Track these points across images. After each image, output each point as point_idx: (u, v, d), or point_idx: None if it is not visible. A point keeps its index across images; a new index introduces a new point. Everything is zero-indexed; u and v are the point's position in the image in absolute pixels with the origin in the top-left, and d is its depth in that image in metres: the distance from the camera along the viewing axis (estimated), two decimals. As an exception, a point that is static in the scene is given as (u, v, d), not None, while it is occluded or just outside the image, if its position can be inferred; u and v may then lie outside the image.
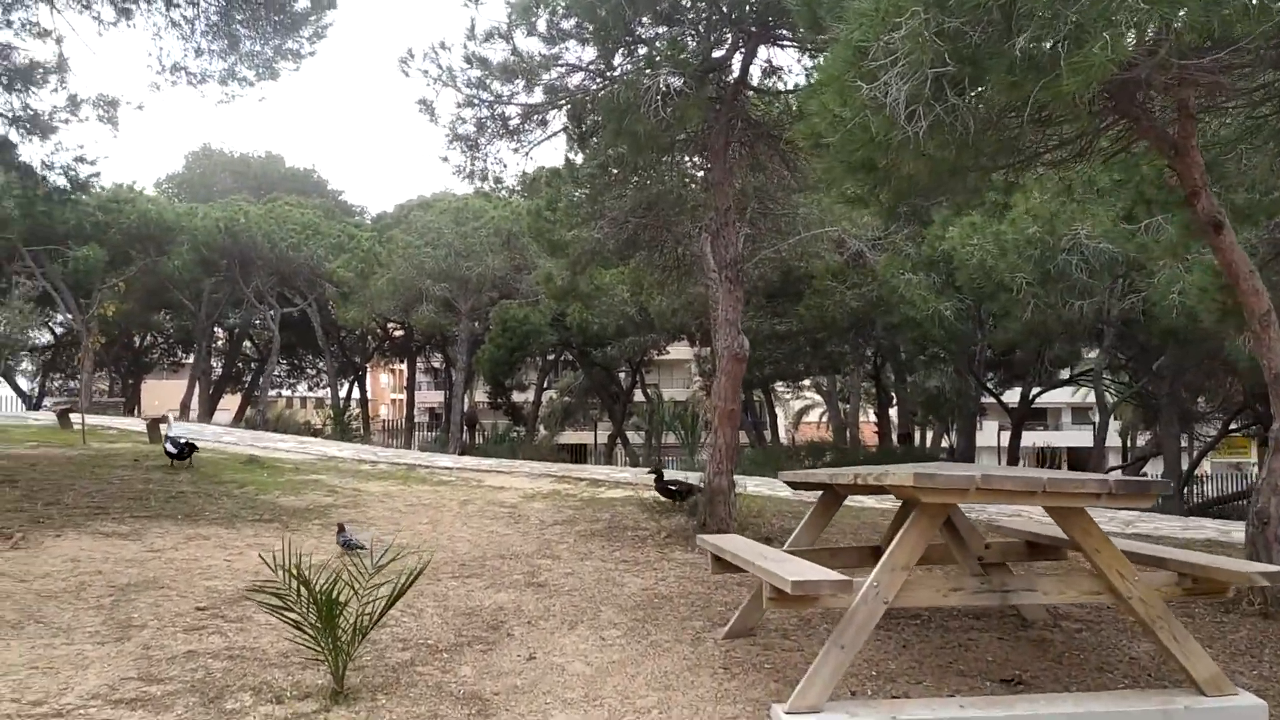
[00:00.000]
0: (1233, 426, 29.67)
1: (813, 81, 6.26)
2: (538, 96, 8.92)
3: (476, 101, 8.65)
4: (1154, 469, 32.07)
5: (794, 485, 6.11)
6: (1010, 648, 5.54)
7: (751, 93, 9.70)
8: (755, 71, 9.48)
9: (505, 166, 9.24)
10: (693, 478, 10.19)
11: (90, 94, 13.87)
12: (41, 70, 13.29)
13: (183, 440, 12.17)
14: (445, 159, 9.22)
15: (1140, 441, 35.23)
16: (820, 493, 5.96)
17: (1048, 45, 4.61)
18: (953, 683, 4.81)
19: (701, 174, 11.23)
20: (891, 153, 5.56)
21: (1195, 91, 5.89)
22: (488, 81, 8.43)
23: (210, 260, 28.98)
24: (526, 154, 9.43)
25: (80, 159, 13.86)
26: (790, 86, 9.82)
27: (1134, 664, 5.26)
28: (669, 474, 10.73)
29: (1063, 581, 4.50)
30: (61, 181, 13.73)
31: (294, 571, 4.64)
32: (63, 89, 13.25)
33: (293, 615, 4.63)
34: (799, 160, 10.24)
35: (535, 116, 9.15)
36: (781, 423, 48.44)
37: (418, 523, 9.55)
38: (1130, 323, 19.79)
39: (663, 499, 10.28)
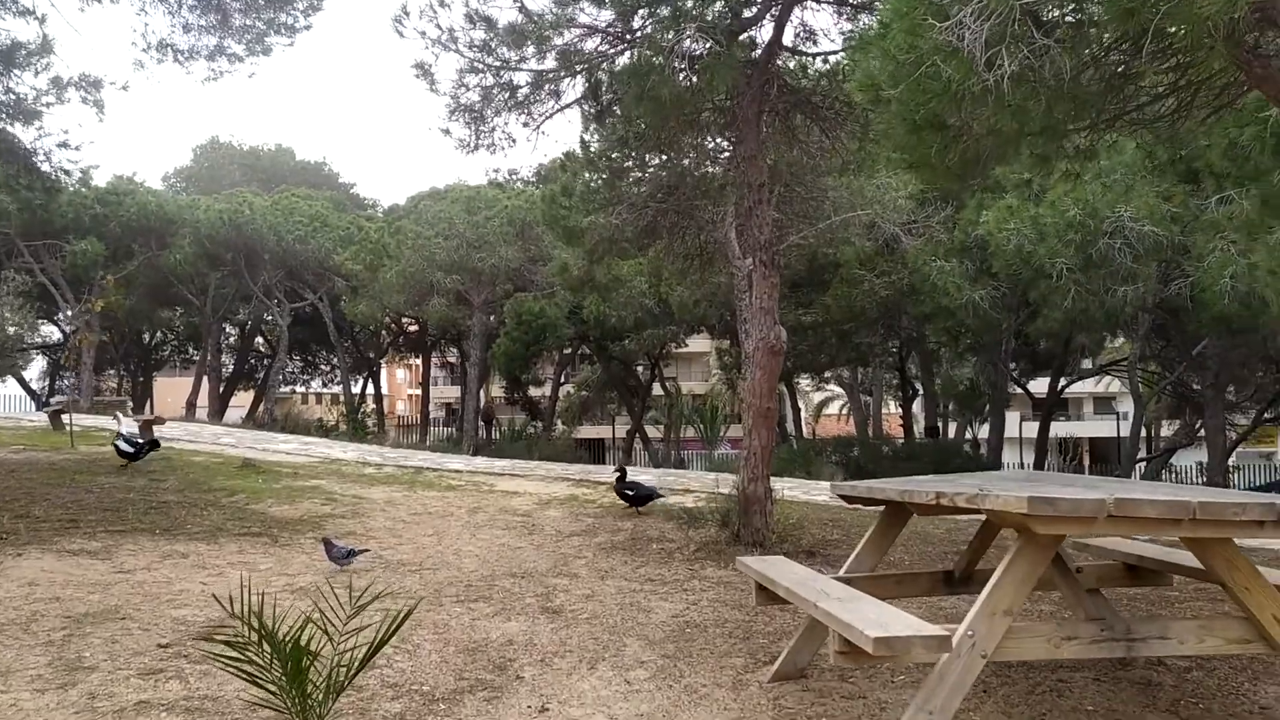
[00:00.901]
0: (1267, 416, 28.73)
1: (877, 24, 5.35)
2: (549, 62, 8.07)
3: (481, 67, 7.79)
4: (1184, 460, 31.07)
5: (850, 500, 5.23)
6: (1111, 692, 4.65)
7: (788, 54, 8.82)
8: (789, 34, 8.59)
9: (514, 142, 8.36)
10: (708, 477, 9.44)
11: (74, 75, 13.14)
12: (24, 51, 12.52)
13: (140, 440, 11.50)
14: (447, 131, 8.35)
15: (1164, 432, 34.21)
16: (882, 508, 5.08)
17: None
18: (1057, 746, 3.94)
19: (728, 152, 10.35)
20: (967, 106, 4.67)
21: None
22: (493, 44, 7.56)
23: (215, 254, 28.23)
24: (537, 128, 8.56)
25: (64, 144, 13.09)
26: (828, 50, 8.94)
27: (1265, 715, 4.38)
28: (633, 475, 10.38)
29: (1203, 627, 3.61)
30: (46, 167, 12.96)
31: (252, 618, 3.80)
32: (46, 72, 12.48)
33: (249, 670, 3.79)
34: (841, 131, 9.35)
35: (547, 85, 8.29)
36: (803, 416, 47.57)
37: (421, 534, 8.72)
38: (1175, 310, 18.83)
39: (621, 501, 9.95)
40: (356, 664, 4.01)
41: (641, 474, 13.54)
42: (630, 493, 9.86)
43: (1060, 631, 3.57)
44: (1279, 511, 3.23)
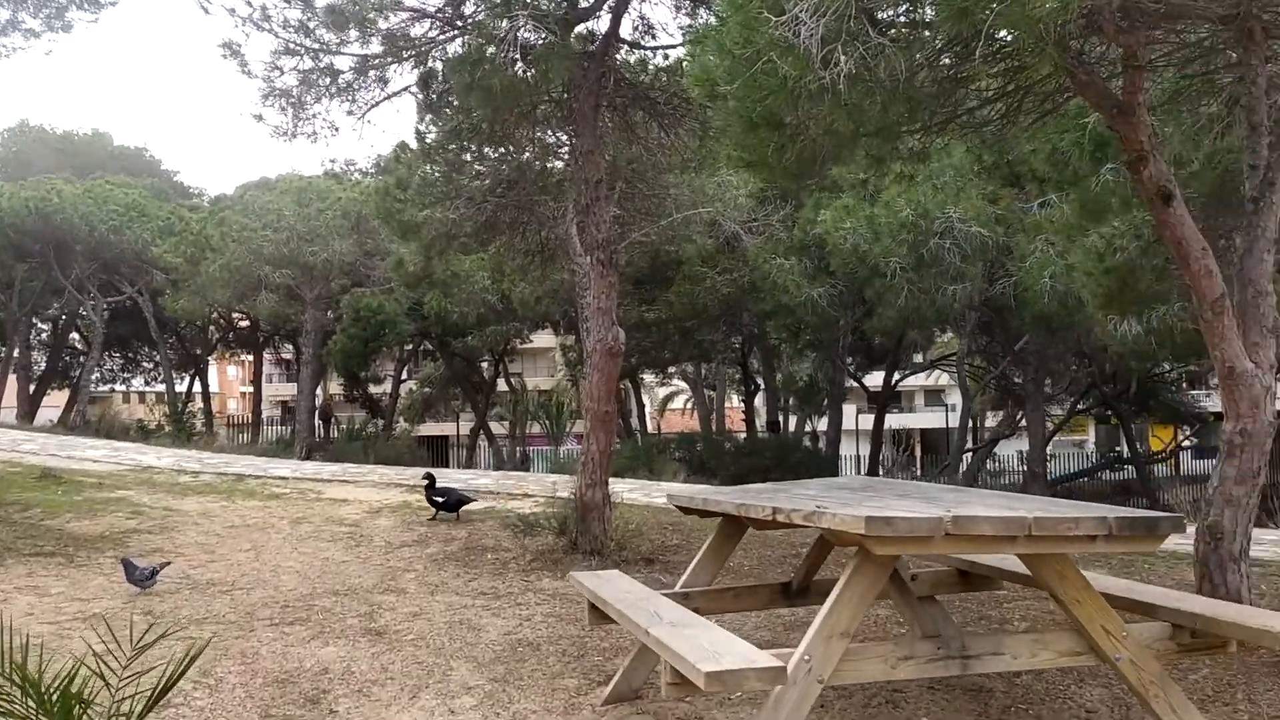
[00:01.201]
0: (1079, 407, 30.49)
1: (714, 18, 5.15)
2: (375, 47, 7.59)
3: (298, 49, 7.26)
4: (1005, 449, 32.64)
5: (687, 511, 5.04)
6: (945, 701, 4.61)
7: (627, 48, 8.61)
8: (627, 26, 8.38)
9: (337, 130, 7.86)
10: (549, 479, 9.20)
11: None
12: None
13: None
14: (260, 117, 7.78)
15: (989, 423, 35.84)
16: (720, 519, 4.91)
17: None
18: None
19: (568, 147, 10.07)
20: (804, 104, 4.53)
21: (1143, 39, 5.07)
22: (311, 25, 7.06)
23: (20, 245, 26.10)
24: (363, 116, 8.07)
25: None
26: (667, 44, 8.77)
27: (1091, 718, 4.40)
28: (442, 483, 10.06)
29: (1036, 641, 3.56)
30: None
31: (12, 667, 3.31)
32: None
33: (5, 729, 3.29)
34: (679, 128, 9.21)
35: (373, 71, 7.81)
36: (648, 411, 47.77)
37: (237, 550, 8.12)
38: (1000, 308, 19.61)
39: (432, 508, 9.69)
40: (139, 710, 3.56)
41: (481, 477, 13.16)
42: (440, 499, 9.56)
43: (897, 651, 3.46)
44: (1110, 526, 3.19)
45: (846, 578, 3.34)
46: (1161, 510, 22.22)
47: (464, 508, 9.58)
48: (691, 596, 4.71)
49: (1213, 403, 33.29)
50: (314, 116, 7.98)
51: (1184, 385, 31.19)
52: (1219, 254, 5.43)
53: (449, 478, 12.03)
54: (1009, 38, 4.76)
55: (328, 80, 7.66)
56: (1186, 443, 34.66)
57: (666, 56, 8.94)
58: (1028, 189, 16.15)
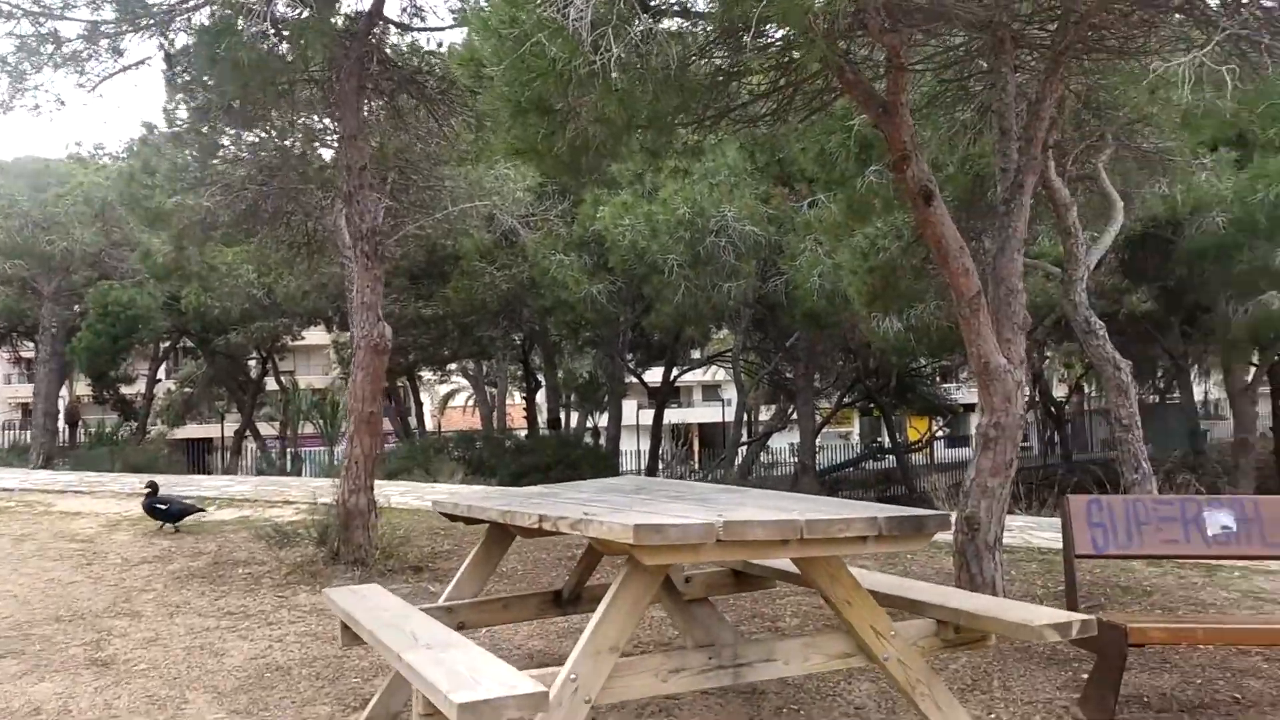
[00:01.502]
0: (846, 400, 32.11)
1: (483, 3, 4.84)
2: (107, 12, 6.83)
3: (13, 11, 6.42)
4: (779, 441, 33.89)
5: (453, 518, 4.73)
6: (719, 705, 4.51)
7: (397, 29, 8.16)
8: (395, 7, 7.93)
9: (63, 104, 7.06)
10: (313, 484, 8.64)
11: None
12: None
13: None
14: (-36, 86, 6.84)
15: (763, 417, 37.14)
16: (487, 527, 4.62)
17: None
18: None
19: (335, 132, 9.49)
20: (574, 89, 4.31)
21: (906, 40, 5.16)
22: (27, -18, 6.25)
23: None
24: (93, 90, 7.26)
25: None
26: (436, 27, 8.38)
27: (859, 714, 4.41)
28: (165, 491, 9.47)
29: (807, 645, 3.48)
30: None
31: None
32: None
33: None
34: (452, 118, 8.85)
35: (104, 40, 7.03)
36: (427, 409, 46.71)
37: (-59, 575, 7.16)
38: (772, 305, 20.19)
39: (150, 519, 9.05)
40: None
41: (239, 483, 12.28)
42: (162, 508, 8.88)
43: (668, 664, 3.29)
44: (880, 526, 3.13)
45: (615, 589, 3.14)
46: (917, 496, 23.49)
47: (190, 518, 8.87)
48: (456, 610, 4.41)
49: (963, 395, 35.85)
50: (36, 88, 7.10)
51: (938, 379, 33.35)
52: (972, 254, 5.61)
53: (199, 485, 11.16)
54: (779, 31, 4.72)
55: (51, 48, 6.83)
56: (940, 433, 37.08)
57: (441, 43, 8.57)
58: (799, 188, 16.68)
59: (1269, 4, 4.94)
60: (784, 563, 4.40)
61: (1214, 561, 6.71)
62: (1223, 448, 27.54)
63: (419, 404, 38.26)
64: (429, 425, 44.35)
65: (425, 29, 8.66)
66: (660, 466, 29.12)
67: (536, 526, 3.56)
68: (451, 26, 8.07)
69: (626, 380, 29.14)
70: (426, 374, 36.44)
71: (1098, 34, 5.63)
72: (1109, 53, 5.88)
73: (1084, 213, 8.34)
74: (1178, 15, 5.42)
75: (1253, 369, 21.40)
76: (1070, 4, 5.06)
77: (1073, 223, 7.87)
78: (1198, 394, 29.24)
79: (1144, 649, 4.68)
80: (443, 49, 8.88)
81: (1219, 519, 4.28)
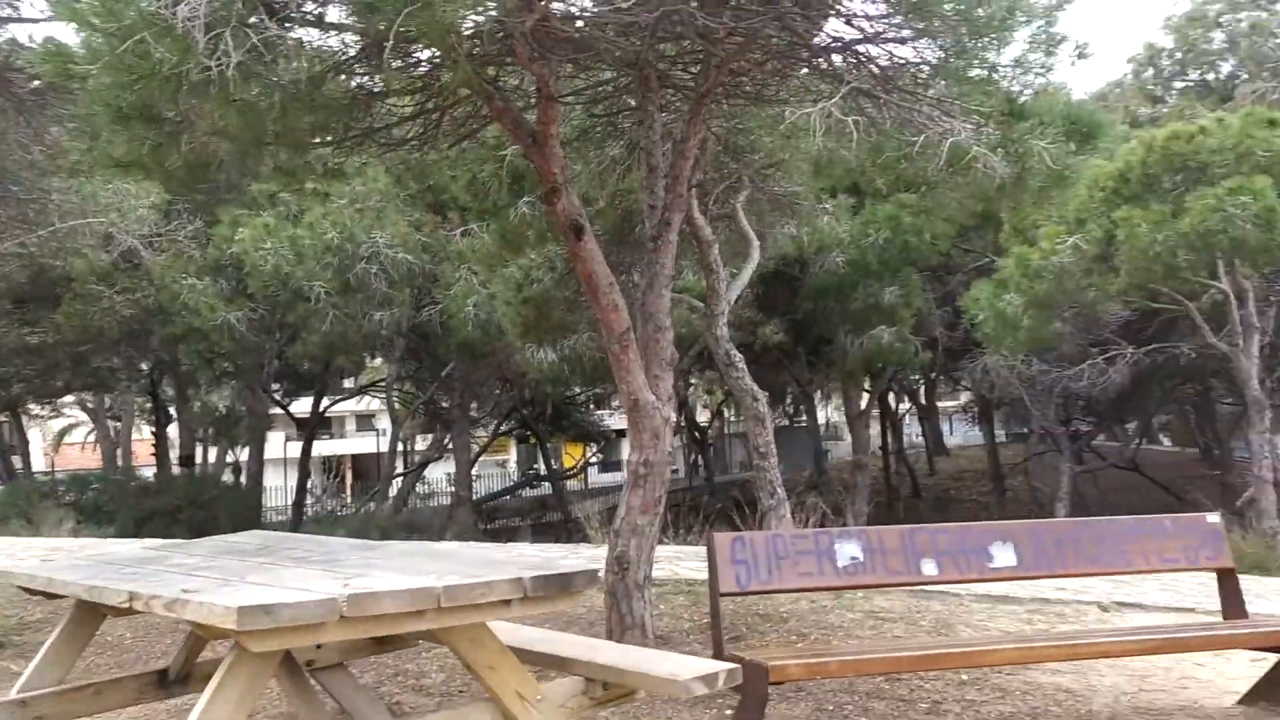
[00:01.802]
0: (502, 429, 32.25)
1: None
2: None
3: None
4: (435, 471, 33.30)
5: (30, 592, 3.97)
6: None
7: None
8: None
9: None
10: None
11: None
12: None
13: None
14: None
15: (419, 447, 36.46)
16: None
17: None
18: None
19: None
20: (186, 96, 3.78)
21: (555, 71, 5.05)
22: None
23: None
24: None
25: None
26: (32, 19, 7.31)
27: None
28: None
29: (449, 717, 3.18)
30: None
31: None
32: None
33: None
34: (53, 123, 7.76)
35: None
36: (38, 446, 41.54)
37: None
38: (427, 335, 19.75)
39: None
40: None
41: None
42: None
43: (289, 759, 2.86)
44: (525, 587, 2.90)
45: (220, 678, 2.68)
46: (571, 522, 23.73)
47: None
48: (32, 703, 3.69)
49: (615, 421, 37.05)
50: None
51: (592, 406, 34.22)
52: (622, 289, 5.59)
53: None
54: (425, 52, 4.44)
55: None
56: (594, 459, 38.10)
57: (31, 36, 7.47)
58: (452, 217, 16.43)
59: (884, 64, 5.32)
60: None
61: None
62: (842, 466, 30.39)
63: (25, 442, 33.86)
64: (40, 465, 39.41)
65: (20, 20, 7.57)
66: (310, 502, 27.59)
67: (128, 606, 3.00)
68: (48, 19, 7.07)
69: (272, 412, 27.41)
70: (36, 408, 32.32)
71: (736, 80, 5.83)
72: (747, 98, 6.11)
73: (724, 250, 8.68)
74: (804, 69, 5.74)
75: (866, 395, 23.84)
76: (710, 49, 5.18)
77: (714, 259, 8.15)
78: (821, 417, 32.01)
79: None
80: (33, 43, 7.81)
81: (848, 550, 4.45)
